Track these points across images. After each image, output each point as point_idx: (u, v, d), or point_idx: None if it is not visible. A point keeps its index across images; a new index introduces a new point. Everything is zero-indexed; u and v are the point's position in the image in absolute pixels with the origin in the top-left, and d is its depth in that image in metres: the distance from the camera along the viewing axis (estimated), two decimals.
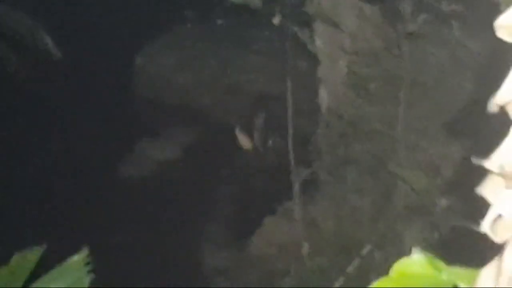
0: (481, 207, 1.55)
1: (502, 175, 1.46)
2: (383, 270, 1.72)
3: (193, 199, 11.31)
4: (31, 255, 3.78)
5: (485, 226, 1.50)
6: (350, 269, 8.81)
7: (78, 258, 3.75)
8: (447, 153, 8.57)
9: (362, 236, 8.97)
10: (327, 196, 9.51)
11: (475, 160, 1.48)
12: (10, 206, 10.53)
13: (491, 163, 1.45)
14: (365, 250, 8.81)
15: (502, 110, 1.48)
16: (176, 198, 11.30)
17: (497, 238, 1.49)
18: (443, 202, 8.38)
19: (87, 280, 3.64)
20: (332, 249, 9.24)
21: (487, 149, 1.50)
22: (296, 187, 9.35)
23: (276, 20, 8.95)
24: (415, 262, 1.65)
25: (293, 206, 9.56)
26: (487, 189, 1.52)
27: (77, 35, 13.93)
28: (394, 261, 1.65)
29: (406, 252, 1.69)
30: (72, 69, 13.33)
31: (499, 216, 1.49)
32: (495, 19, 1.44)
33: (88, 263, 3.74)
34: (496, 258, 1.52)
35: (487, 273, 1.53)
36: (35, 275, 3.72)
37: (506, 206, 1.48)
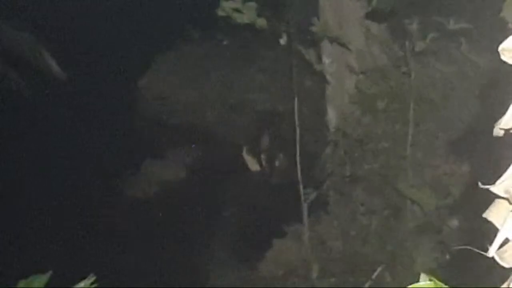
0: (491, 227, 1.52)
1: (509, 199, 1.44)
2: None
3: (199, 220, 11.27)
4: (37, 282, 3.75)
5: (492, 251, 1.47)
6: None
7: (85, 284, 3.73)
8: (456, 171, 8.52)
9: (371, 256, 8.90)
10: (336, 216, 9.46)
11: (481, 185, 1.46)
12: (15, 233, 10.52)
13: (497, 188, 1.43)
14: (375, 273, 8.75)
15: (508, 132, 1.46)
16: (182, 219, 11.26)
17: (504, 264, 1.46)
18: (454, 222, 8.33)
19: None
20: (341, 270, 9.18)
21: (496, 167, 1.48)
22: (305, 207, 9.30)
23: (282, 40, 8.96)
24: None
25: (301, 227, 9.51)
26: (494, 214, 1.50)
27: (81, 55, 13.98)
28: (404, 282, 1.63)
29: (417, 273, 1.66)
30: (76, 89, 13.36)
31: (506, 240, 1.47)
32: (502, 36, 1.42)
33: None
34: (505, 283, 1.50)
35: None
36: None
37: None
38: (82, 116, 13.25)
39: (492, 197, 1.50)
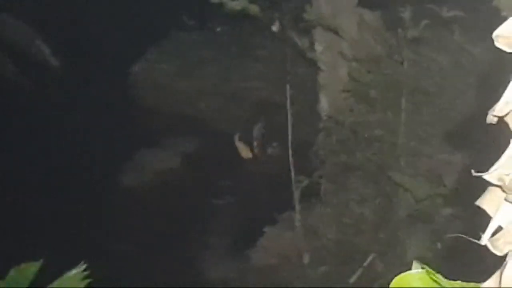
0: (484, 216, 1.52)
1: (502, 187, 1.43)
2: (386, 280, 1.69)
3: (193, 208, 11.28)
4: (29, 270, 3.74)
5: (485, 239, 1.47)
6: (352, 279, 8.78)
7: (76, 272, 3.72)
8: (449, 160, 8.53)
9: (364, 245, 8.93)
10: (328, 204, 9.47)
11: (475, 173, 1.45)
12: (7, 220, 10.50)
13: (490, 175, 1.42)
14: (367, 260, 8.77)
15: (502, 120, 1.45)
16: (176, 207, 11.27)
17: (497, 252, 1.46)
18: (447, 211, 8.34)
19: None
20: (334, 259, 9.20)
21: (490, 157, 1.47)
22: (297, 195, 9.31)
23: (274, 27, 8.95)
24: (415, 276, 1.61)
25: (294, 215, 9.52)
26: (487, 202, 1.49)
27: (75, 43, 13.95)
28: (396, 271, 1.62)
29: (409, 262, 1.65)
30: (70, 77, 13.34)
31: (499, 228, 1.47)
32: (496, 24, 1.41)
33: (86, 277, 3.71)
34: (498, 271, 1.49)
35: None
36: None
37: (506, 218, 1.46)
38: (76, 105, 13.22)
39: (486, 186, 1.50)
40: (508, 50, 1.41)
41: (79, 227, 10.69)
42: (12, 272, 3.75)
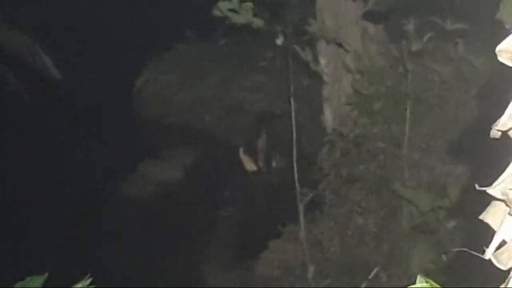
0: (488, 228, 1.52)
1: (505, 201, 1.44)
2: None
3: (196, 220, 11.27)
4: (34, 284, 3.75)
5: (489, 253, 1.47)
6: None
7: (83, 286, 3.72)
8: (453, 172, 8.53)
9: (368, 257, 8.91)
10: (332, 217, 9.47)
11: (478, 187, 1.46)
12: (11, 234, 10.50)
13: (494, 190, 1.43)
14: (371, 274, 8.76)
15: (505, 134, 1.46)
16: (179, 219, 11.24)
17: (501, 266, 1.46)
18: (450, 223, 8.33)
19: None
20: (337, 271, 9.18)
21: (494, 169, 1.48)
22: (301, 208, 9.30)
23: (279, 40, 8.97)
24: None
25: (298, 228, 9.51)
26: (491, 216, 1.50)
27: (77, 55, 13.97)
28: (400, 283, 1.63)
29: (413, 274, 1.66)
30: (72, 89, 13.36)
31: (504, 242, 1.47)
32: (499, 37, 1.43)
33: None
34: (503, 285, 1.50)
35: None
36: None
37: (509, 232, 1.47)
38: (79, 116, 13.24)
39: (489, 199, 1.50)
40: (510, 64, 1.42)
41: (81, 238, 10.69)
42: (17, 286, 3.75)
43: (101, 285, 3.78)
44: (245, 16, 8.10)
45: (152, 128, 13.39)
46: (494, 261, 1.45)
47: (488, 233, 1.50)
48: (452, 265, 7.77)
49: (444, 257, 8.18)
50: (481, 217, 1.51)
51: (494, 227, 1.50)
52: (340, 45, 9.03)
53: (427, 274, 1.65)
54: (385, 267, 8.69)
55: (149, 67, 14.45)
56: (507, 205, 1.45)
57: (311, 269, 9.30)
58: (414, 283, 1.62)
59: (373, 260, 8.81)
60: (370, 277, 8.74)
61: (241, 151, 12.40)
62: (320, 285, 9.21)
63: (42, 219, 10.99)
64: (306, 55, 8.83)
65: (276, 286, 9.61)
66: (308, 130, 10.51)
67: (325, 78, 9.53)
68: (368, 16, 9.03)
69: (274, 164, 12.33)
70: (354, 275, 8.94)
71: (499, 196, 1.43)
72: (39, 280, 3.73)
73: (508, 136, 1.46)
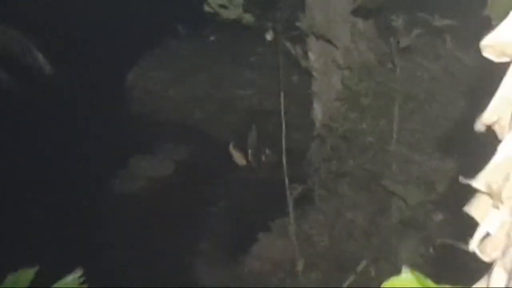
0: (476, 222, 1.54)
1: (489, 194, 1.46)
2: (378, 286, 1.71)
3: (186, 215, 11.27)
4: (25, 276, 3.75)
5: (473, 245, 1.49)
6: (345, 284, 8.77)
7: (73, 278, 3.72)
8: (441, 167, 8.55)
9: (356, 251, 8.94)
10: (322, 211, 9.49)
11: (463, 180, 1.47)
12: (2, 227, 10.47)
13: (478, 182, 1.45)
14: (360, 267, 8.78)
15: (490, 128, 1.48)
16: (170, 214, 11.26)
17: (485, 257, 1.48)
18: (438, 216, 8.36)
19: None
20: (327, 265, 9.21)
21: (481, 163, 1.50)
22: (290, 202, 9.31)
23: (269, 36, 8.96)
24: (405, 281, 1.63)
25: (287, 222, 9.53)
26: (475, 208, 1.51)
27: (69, 51, 13.95)
28: (389, 276, 1.64)
29: (401, 267, 1.67)
30: (64, 85, 13.32)
31: (487, 234, 1.49)
32: (487, 33, 1.44)
33: (82, 283, 3.71)
34: (486, 276, 1.52)
35: None
36: None
37: (493, 225, 1.48)
38: (70, 112, 13.22)
39: (475, 192, 1.51)
40: (495, 59, 1.44)
41: (73, 233, 10.68)
42: (8, 279, 3.74)
43: (92, 279, 3.78)
44: (235, 12, 8.10)
45: (143, 124, 13.38)
46: (478, 253, 1.47)
47: (475, 227, 1.51)
48: (439, 258, 7.80)
49: (432, 251, 8.21)
50: (465, 209, 1.52)
51: (478, 220, 1.51)
52: (329, 41, 9.04)
53: (415, 267, 1.66)
54: (374, 260, 8.72)
55: (140, 63, 14.43)
56: (491, 197, 1.47)
57: (300, 263, 9.32)
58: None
59: (362, 254, 8.84)
60: (358, 270, 8.76)
61: (231, 146, 12.40)
62: (309, 278, 9.24)
63: (34, 213, 10.98)
64: (296, 51, 8.85)
65: (265, 280, 9.62)
66: (298, 125, 10.52)
67: (315, 74, 9.54)
68: (358, 12, 9.04)
69: (264, 158, 12.33)
70: (343, 269, 8.96)
71: (483, 188, 1.45)
72: (30, 272, 3.73)
73: (492, 130, 1.47)
